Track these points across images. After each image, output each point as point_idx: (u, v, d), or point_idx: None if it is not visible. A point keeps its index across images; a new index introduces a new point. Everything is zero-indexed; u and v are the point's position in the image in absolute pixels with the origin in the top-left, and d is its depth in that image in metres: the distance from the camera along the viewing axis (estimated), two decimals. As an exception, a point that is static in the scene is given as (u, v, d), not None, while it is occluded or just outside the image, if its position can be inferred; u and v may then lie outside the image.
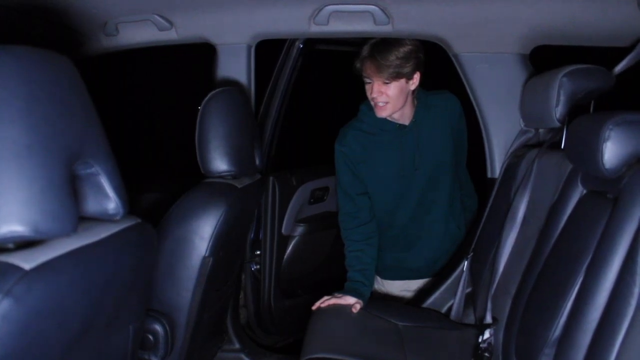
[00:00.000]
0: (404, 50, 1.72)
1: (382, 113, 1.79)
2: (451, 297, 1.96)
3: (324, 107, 3.24)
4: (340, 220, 1.98)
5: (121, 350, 1.08)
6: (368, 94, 1.78)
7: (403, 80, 1.75)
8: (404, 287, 2.15)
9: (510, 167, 1.80)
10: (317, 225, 2.54)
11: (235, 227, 1.66)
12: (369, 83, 1.76)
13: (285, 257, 2.43)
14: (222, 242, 1.51)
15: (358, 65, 1.77)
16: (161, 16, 1.88)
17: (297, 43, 2.28)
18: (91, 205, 0.90)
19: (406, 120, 1.87)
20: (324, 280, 2.74)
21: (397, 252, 2.05)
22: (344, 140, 1.90)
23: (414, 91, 1.82)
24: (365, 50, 1.75)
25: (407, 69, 1.73)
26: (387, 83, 1.73)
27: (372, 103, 1.80)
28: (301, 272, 2.58)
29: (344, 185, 1.93)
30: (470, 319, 1.84)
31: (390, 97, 1.75)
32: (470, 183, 2.13)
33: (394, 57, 1.70)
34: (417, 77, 1.79)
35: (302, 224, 2.47)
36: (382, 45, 1.73)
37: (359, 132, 1.89)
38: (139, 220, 1.02)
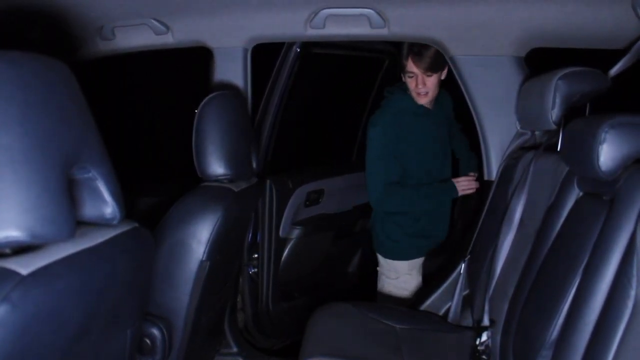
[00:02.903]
0: (436, 49, 1.99)
1: (423, 100, 2.10)
2: (449, 299, 1.96)
3: (321, 110, 3.24)
4: (380, 192, 2.12)
5: (119, 354, 1.07)
6: (411, 86, 2.07)
7: (440, 72, 2.04)
8: (414, 266, 2.27)
9: (507, 170, 1.80)
10: (313, 228, 2.55)
11: (233, 231, 1.66)
12: (412, 77, 2.05)
13: (282, 259, 2.43)
14: (219, 246, 1.51)
15: (404, 62, 2.06)
16: (157, 20, 1.88)
17: (294, 47, 2.29)
18: (88, 210, 0.90)
19: (430, 106, 2.18)
20: (320, 282, 2.75)
21: (424, 221, 2.24)
22: (380, 121, 2.15)
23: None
24: (406, 49, 2.02)
25: (442, 63, 2.02)
26: (429, 76, 2.02)
27: (413, 93, 2.09)
28: (298, 274, 2.58)
29: (382, 158, 2.14)
30: (468, 321, 1.84)
31: (430, 88, 2.05)
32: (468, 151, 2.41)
33: (433, 53, 1.98)
34: (446, 69, 2.07)
35: (298, 227, 2.48)
36: (419, 45, 1.99)
37: (391, 116, 2.15)
38: (136, 225, 1.02)
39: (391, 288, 2.27)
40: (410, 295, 2.23)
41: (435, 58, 1.99)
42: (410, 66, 2.03)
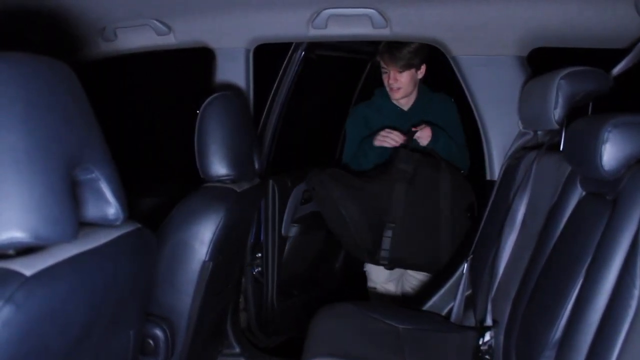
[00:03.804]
0: (414, 46, 2.10)
1: (396, 95, 2.22)
2: (451, 299, 1.96)
3: (322, 111, 3.26)
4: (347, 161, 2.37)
5: (121, 355, 1.07)
6: (385, 81, 2.21)
7: (413, 70, 2.16)
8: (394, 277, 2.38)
9: (509, 169, 1.80)
10: (309, 225, 2.58)
11: (235, 231, 1.66)
12: (386, 72, 2.18)
13: (283, 257, 2.44)
14: (221, 247, 1.51)
15: (378, 58, 2.22)
16: (159, 21, 1.88)
17: (299, 50, 2.31)
18: (91, 211, 0.90)
19: (406, 107, 2.29)
20: (317, 278, 2.76)
21: None
22: (353, 113, 2.46)
23: (421, 80, 2.25)
24: (383, 46, 2.16)
25: (416, 61, 2.14)
26: (400, 72, 2.14)
27: (387, 88, 2.22)
28: (297, 272, 2.59)
29: (353, 139, 2.35)
30: (471, 321, 1.84)
31: (403, 84, 2.17)
32: (461, 157, 2.30)
33: (406, 51, 2.10)
34: (423, 68, 2.21)
35: (296, 225, 2.51)
36: (396, 42, 2.09)
37: (367, 110, 2.35)
38: (138, 226, 1.02)
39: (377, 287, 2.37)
40: (397, 292, 2.33)
41: (410, 56, 2.11)
42: (384, 62, 2.17)
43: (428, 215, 2.12)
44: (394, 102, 2.28)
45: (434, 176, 2.12)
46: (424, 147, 2.18)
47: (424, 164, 2.12)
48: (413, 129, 2.15)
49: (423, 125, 2.15)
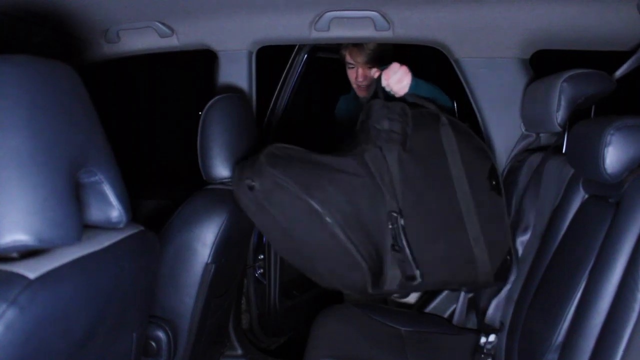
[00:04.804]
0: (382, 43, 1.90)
1: (363, 93, 2.03)
2: (453, 302, 1.96)
3: (325, 113, 3.26)
4: None
5: (124, 357, 1.08)
6: (351, 77, 2.00)
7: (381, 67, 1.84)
8: None
9: (512, 172, 1.80)
10: None
11: (237, 233, 1.66)
12: (352, 68, 1.97)
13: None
14: (224, 248, 1.51)
15: (343, 52, 1.98)
16: (162, 23, 1.88)
17: (302, 53, 2.31)
18: (95, 214, 0.90)
19: None
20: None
21: None
22: (341, 100, 2.30)
23: None
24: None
25: (387, 54, 1.92)
26: (369, 68, 1.91)
27: (354, 85, 2.02)
28: (299, 273, 2.59)
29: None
30: (473, 323, 1.84)
31: (371, 81, 1.93)
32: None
33: (375, 44, 1.90)
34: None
35: None
36: None
37: (346, 102, 2.24)
38: (141, 228, 1.02)
39: None
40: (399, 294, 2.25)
41: (378, 51, 1.92)
42: (349, 57, 1.96)
43: (441, 193, 1.42)
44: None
45: (433, 135, 1.45)
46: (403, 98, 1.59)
47: (414, 119, 1.45)
48: (378, 72, 1.58)
49: (395, 65, 1.54)
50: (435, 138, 1.45)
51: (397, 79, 1.53)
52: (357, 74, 1.97)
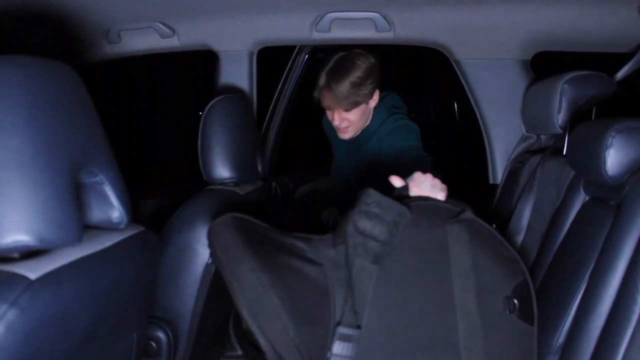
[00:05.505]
0: (358, 75, 1.71)
1: (345, 135, 1.85)
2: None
3: (322, 113, 3.27)
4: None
5: (125, 357, 1.07)
6: (329, 118, 1.83)
7: (362, 105, 1.79)
8: None
9: (512, 173, 1.80)
10: (307, 228, 2.57)
11: (238, 234, 1.66)
12: (330, 109, 1.81)
13: None
14: (224, 249, 1.51)
15: (317, 95, 1.80)
16: (163, 24, 1.88)
17: (303, 54, 2.31)
18: (95, 214, 0.90)
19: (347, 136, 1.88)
20: None
21: None
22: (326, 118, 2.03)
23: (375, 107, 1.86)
24: (322, 79, 1.75)
25: (363, 95, 1.74)
26: (347, 110, 1.77)
27: (333, 125, 1.83)
28: None
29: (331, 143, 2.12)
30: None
31: (352, 122, 1.80)
32: None
33: (348, 86, 1.70)
34: (376, 95, 1.81)
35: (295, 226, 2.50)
36: (337, 72, 1.71)
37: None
38: (142, 228, 1.02)
39: None
40: None
41: (354, 91, 1.70)
42: (324, 103, 1.79)
43: (427, 312, 1.07)
44: None
45: (435, 235, 1.12)
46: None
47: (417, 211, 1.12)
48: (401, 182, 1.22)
49: (419, 175, 1.21)
50: (437, 239, 1.12)
51: (429, 188, 1.20)
52: (334, 117, 1.80)
